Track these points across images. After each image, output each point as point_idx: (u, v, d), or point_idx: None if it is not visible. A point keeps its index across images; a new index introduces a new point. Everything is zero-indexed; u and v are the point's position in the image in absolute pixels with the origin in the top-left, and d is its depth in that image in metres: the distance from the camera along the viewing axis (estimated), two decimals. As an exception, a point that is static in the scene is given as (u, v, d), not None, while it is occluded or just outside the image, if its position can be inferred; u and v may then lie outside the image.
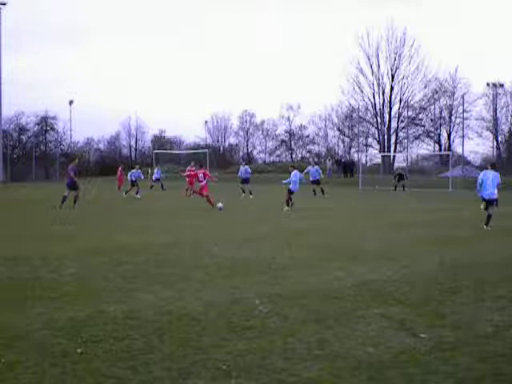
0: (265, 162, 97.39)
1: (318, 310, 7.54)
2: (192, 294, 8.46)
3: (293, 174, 26.27)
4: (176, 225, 18.71)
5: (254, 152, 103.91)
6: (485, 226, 17.53)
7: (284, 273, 10.16)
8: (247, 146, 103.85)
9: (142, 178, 38.73)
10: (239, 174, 37.07)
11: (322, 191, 35.93)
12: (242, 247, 13.39)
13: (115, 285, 9.09)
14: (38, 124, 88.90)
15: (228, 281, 9.41)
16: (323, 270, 10.43)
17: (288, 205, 25.21)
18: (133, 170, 37.51)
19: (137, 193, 35.11)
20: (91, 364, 5.57)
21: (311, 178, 36.49)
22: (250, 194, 35.03)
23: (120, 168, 44.83)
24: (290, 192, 25.49)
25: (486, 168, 19.00)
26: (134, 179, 36.38)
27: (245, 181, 36.30)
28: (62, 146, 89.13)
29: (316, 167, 37.41)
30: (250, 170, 37.58)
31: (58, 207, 24.32)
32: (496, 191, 18.10)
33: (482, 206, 19.09)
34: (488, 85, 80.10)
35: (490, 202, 18.13)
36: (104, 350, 5.95)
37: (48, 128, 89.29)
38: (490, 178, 17.95)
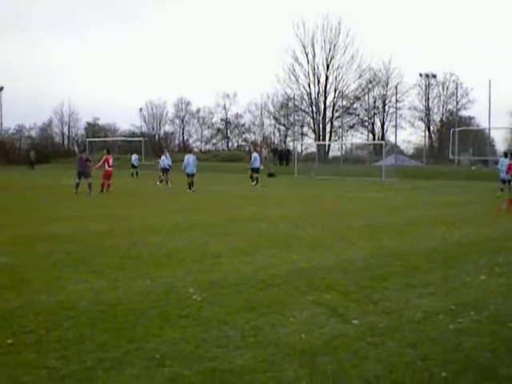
0: (201, 150, 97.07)
1: (253, 298, 7.60)
2: (125, 283, 8.39)
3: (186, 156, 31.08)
4: (110, 213, 18.51)
5: (190, 140, 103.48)
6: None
7: (218, 261, 10.18)
8: (183, 134, 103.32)
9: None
10: (185, 167, 31.71)
11: (253, 179, 36.03)
12: (177, 236, 13.34)
13: (47, 274, 8.94)
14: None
15: (162, 270, 9.37)
16: (258, 258, 10.50)
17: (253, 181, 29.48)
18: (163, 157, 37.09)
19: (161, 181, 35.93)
20: (21, 355, 5.48)
21: (254, 166, 36.59)
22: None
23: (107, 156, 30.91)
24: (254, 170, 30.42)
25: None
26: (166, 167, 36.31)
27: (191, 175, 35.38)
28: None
29: (255, 154, 37.72)
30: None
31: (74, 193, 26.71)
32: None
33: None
34: (421, 75, 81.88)
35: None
36: (35, 341, 5.86)
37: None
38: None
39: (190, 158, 31.55)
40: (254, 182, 35.64)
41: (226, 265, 9.83)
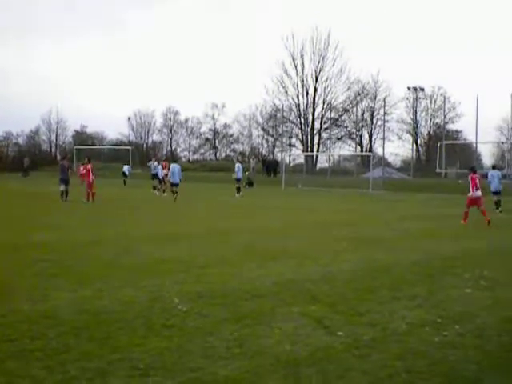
0: (189, 160, 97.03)
1: (238, 309, 7.59)
2: (110, 292, 8.35)
3: (172, 166, 31.75)
4: (97, 222, 18.46)
5: (178, 150, 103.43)
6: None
7: (205, 271, 10.16)
8: (171, 143, 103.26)
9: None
10: (172, 176, 31.77)
11: (238, 190, 36.27)
12: (164, 245, 13.31)
13: (31, 283, 8.89)
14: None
15: (148, 279, 9.34)
16: (245, 269, 10.49)
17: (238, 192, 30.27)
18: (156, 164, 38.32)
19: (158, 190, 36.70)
20: (4, 364, 5.44)
21: (238, 176, 36.87)
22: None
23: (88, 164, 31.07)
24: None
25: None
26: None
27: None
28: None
29: (238, 164, 38.02)
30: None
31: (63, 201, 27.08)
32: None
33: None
34: (409, 88, 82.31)
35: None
36: (19, 350, 5.82)
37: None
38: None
39: (176, 168, 31.90)
40: (240, 193, 35.90)
41: (211, 275, 9.81)
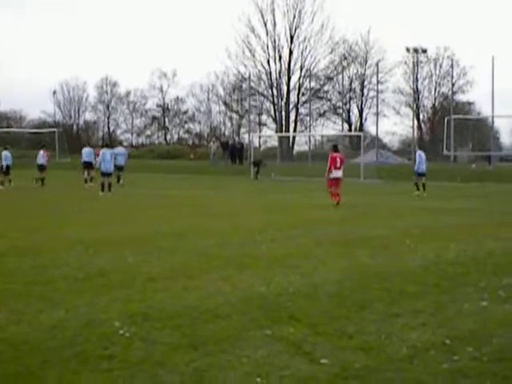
0: (131, 144, 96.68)
1: (196, 333, 7.58)
2: (32, 315, 8.29)
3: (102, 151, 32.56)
4: (12, 225, 18.29)
5: (118, 131, 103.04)
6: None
7: (153, 286, 10.12)
8: (108, 123, 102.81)
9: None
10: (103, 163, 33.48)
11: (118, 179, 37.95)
12: (101, 253, 13.24)
13: None
14: None
15: (80, 298, 9.28)
16: (203, 282, 10.47)
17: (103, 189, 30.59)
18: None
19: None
20: None
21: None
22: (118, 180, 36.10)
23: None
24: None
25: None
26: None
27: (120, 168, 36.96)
28: None
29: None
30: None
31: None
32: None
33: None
34: (408, 50, 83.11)
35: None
36: None
37: None
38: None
39: (107, 154, 32.33)
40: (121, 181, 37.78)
41: (162, 291, 9.78)
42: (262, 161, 52.66)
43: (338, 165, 25.46)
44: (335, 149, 26.52)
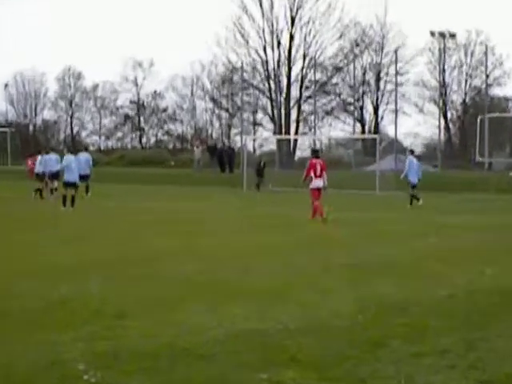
0: (99, 149, 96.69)
1: (174, 378, 7.55)
2: (-22, 356, 8.28)
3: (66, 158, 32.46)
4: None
5: (83, 133, 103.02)
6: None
7: (122, 321, 10.11)
8: (71, 123, 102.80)
9: None
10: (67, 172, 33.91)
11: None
12: (60, 281, 13.20)
13: None
14: None
15: (38, 333, 9.27)
16: (183, 315, 10.45)
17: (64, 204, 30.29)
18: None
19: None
20: None
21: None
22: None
23: None
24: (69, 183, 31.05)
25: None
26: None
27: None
28: None
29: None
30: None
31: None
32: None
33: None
34: (433, 35, 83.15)
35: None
36: None
37: None
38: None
39: (72, 161, 32.49)
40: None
41: (133, 327, 9.74)
42: (265, 166, 52.62)
43: (319, 172, 25.97)
44: (315, 154, 27.52)
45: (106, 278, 13.77)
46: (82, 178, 36.32)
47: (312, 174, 25.98)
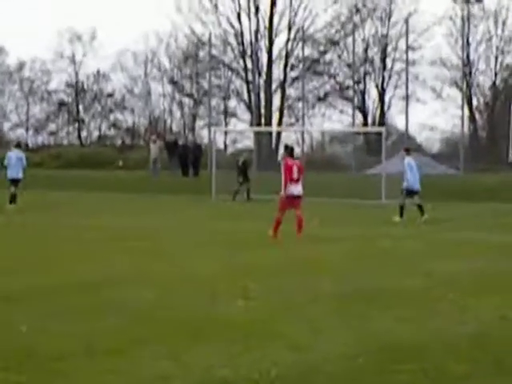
0: (27, 145, 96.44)
1: None
2: None
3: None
4: None
5: (5, 126, 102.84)
6: None
7: (58, 367, 10.09)
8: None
9: None
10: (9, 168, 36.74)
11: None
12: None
13: None
14: None
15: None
16: (137, 361, 10.48)
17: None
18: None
19: None
20: None
21: None
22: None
23: None
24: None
25: None
26: None
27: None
28: None
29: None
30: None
31: None
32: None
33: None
34: (454, 0, 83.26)
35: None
36: None
37: None
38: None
39: (12, 156, 35.40)
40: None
41: (72, 375, 9.74)
42: (247, 166, 52.50)
43: (296, 176, 24.88)
44: (290, 153, 26.09)
45: (41, 311, 13.77)
46: (12, 181, 36.50)
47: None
